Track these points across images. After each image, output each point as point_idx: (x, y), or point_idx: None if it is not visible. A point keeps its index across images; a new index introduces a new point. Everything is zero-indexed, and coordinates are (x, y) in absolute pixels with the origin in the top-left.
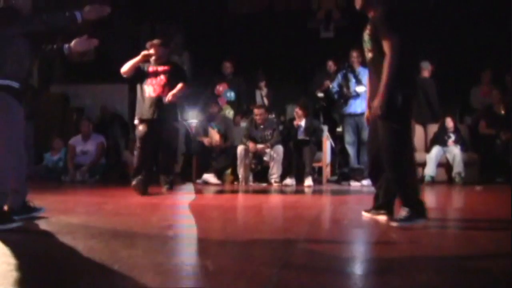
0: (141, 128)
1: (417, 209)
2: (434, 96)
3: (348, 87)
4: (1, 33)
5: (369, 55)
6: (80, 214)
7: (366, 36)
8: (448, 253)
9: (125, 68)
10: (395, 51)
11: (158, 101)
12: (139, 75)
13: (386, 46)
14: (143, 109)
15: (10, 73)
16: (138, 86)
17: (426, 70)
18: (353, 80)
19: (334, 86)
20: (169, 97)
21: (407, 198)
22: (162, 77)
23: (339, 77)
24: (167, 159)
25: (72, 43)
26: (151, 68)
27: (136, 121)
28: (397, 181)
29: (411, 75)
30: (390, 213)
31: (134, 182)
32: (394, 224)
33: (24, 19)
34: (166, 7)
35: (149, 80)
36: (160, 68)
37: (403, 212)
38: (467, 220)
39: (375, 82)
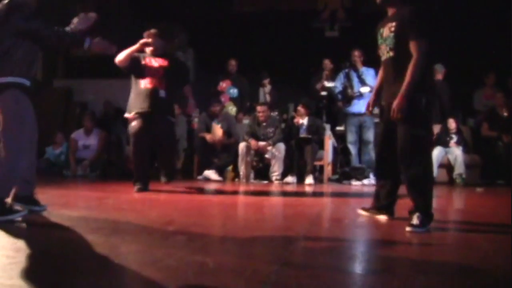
0: (134, 123)
1: (429, 217)
2: (446, 99)
3: (352, 87)
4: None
5: (389, 54)
6: (81, 209)
7: (386, 32)
8: (448, 255)
9: (121, 56)
10: (424, 53)
11: (154, 93)
12: (136, 66)
13: (414, 47)
14: (138, 102)
15: (22, 71)
16: (133, 79)
17: (440, 73)
18: (356, 80)
19: (337, 86)
20: (192, 109)
21: (422, 204)
22: (159, 69)
23: (342, 76)
24: (168, 154)
25: (95, 41)
26: (147, 59)
27: (127, 115)
28: (415, 186)
29: (432, 79)
30: (391, 214)
31: (136, 188)
32: (409, 229)
33: (42, 26)
34: (170, 5)
35: (145, 72)
36: (157, 60)
37: (415, 219)
38: (468, 222)
39: (392, 82)
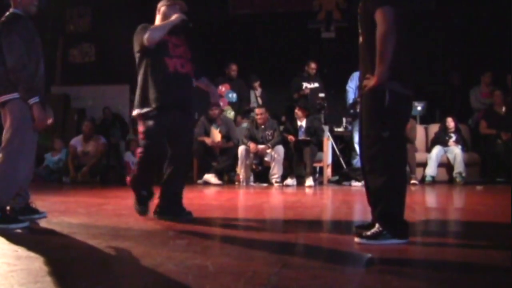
0: (151, 122)
1: (394, 228)
2: None
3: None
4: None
5: (359, 39)
6: (81, 215)
7: (359, 18)
8: (450, 254)
9: (160, 31)
10: (389, 21)
11: (189, 80)
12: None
13: (379, 17)
14: (163, 91)
15: (38, 87)
16: (145, 61)
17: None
18: None
19: (351, 86)
20: (216, 98)
21: (382, 214)
22: (187, 52)
23: (355, 78)
24: (183, 171)
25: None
26: (174, 38)
27: (140, 111)
28: (375, 195)
29: (407, 71)
30: None
31: (138, 211)
32: (357, 240)
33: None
34: None
35: (170, 51)
36: (180, 37)
37: (373, 228)
38: (468, 221)
39: (363, 73)
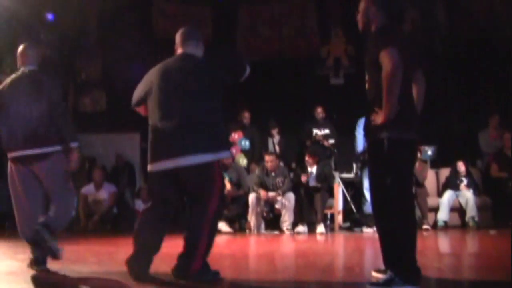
0: None
1: (406, 274)
2: None
3: None
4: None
5: (366, 85)
6: (91, 264)
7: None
8: None
9: None
10: (394, 60)
11: None
12: None
13: (383, 57)
14: None
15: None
16: None
17: None
18: None
19: (359, 132)
20: None
21: (393, 261)
22: None
23: (362, 123)
24: None
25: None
26: None
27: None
28: (384, 241)
29: (408, 116)
30: None
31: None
32: (368, 287)
33: None
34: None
35: None
36: None
37: (384, 276)
38: (482, 266)
39: (370, 115)
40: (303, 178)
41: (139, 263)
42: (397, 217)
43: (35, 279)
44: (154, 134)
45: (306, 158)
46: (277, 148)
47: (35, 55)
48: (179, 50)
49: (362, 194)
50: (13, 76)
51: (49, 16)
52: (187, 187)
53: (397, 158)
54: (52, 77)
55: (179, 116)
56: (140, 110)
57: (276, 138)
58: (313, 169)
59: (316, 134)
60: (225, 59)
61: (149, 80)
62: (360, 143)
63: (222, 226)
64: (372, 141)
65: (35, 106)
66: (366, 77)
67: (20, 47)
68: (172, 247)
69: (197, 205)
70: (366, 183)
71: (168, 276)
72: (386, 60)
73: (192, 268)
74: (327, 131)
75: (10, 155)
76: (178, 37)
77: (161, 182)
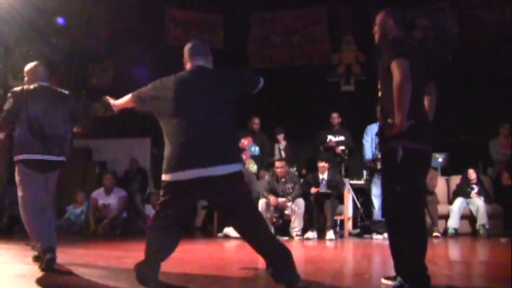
0: None
1: (415, 282)
2: None
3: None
4: None
5: (379, 94)
6: (101, 268)
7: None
8: None
9: None
10: (404, 70)
11: None
12: None
13: (394, 68)
14: None
15: None
16: None
17: None
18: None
19: (367, 140)
20: None
21: (404, 268)
22: None
23: (370, 131)
24: None
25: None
26: None
27: None
28: (395, 249)
29: (422, 127)
30: None
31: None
32: None
33: None
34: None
35: None
36: None
37: (393, 283)
38: (493, 275)
39: (383, 123)
40: (313, 191)
41: (148, 269)
42: (407, 225)
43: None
44: (176, 143)
45: (319, 164)
46: (283, 153)
47: (46, 73)
48: (188, 65)
49: (370, 201)
50: (30, 87)
51: (60, 21)
52: (223, 197)
53: (410, 167)
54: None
55: (204, 126)
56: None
57: (282, 144)
58: (324, 175)
59: (330, 140)
60: (239, 72)
61: (163, 88)
62: (368, 150)
63: (231, 231)
64: (386, 149)
65: (60, 116)
66: (379, 86)
67: (31, 65)
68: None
69: (249, 214)
70: (374, 190)
71: (172, 279)
72: (396, 70)
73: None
74: (342, 138)
75: (30, 157)
76: (186, 52)
77: (183, 192)
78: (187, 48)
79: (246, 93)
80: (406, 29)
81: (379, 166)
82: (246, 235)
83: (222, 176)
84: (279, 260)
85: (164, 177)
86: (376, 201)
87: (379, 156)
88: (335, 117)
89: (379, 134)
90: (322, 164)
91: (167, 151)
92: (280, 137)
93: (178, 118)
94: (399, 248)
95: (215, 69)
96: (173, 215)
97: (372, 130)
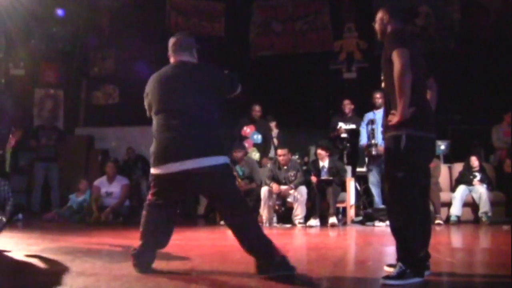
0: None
1: (415, 267)
2: None
3: (374, 135)
4: None
5: (382, 84)
6: (104, 256)
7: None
8: None
9: None
10: (404, 59)
11: None
12: None
13: (394, 57)
14: None
15: None
16: None
17: None
18: (379, 122)
19: (363, 127)
20: None
21: (405, 254)
22: None
23: (367, 119)
24: None
25: None
26: None
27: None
28: (397, 234)
29: (426, 115)
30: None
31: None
32: (382, 281)
33: None
34: None
35: None
36: None
37: (396, 269)
38: (494, 261)
39: (385, 114)
40: (313, 179)
41: (144, 257)
42: (409, 211)
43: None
44: (160, 138)
45: (318, 151)
46: (275, 141)
47: None
48: (172, 59)
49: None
50: None
51: (60, 12)
52: (208, 189)
53: (413, 154)
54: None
55: (186, 120)
56: None
57: (275, 131)
58: (325, 163)
59: (340, 127)
60: (221, 73)
61: (150, 84)
62: (364, 137)
63: None
64: (389, 136)
65: None
66: (382, 77)
67: None
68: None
69: (236, 205)
70: (371, 178)
71: (174, 266)
72: (396, 59)
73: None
74: (353, 126)
75: None
76: (171, 47)
77: (169, 185)
78: (171, 42)
79: (222, 94)
80: (407, 21)
81: (373, 152)
82: (232, 228)
83: (203, 168)
84: (266, 257)
85: (152, 170)
86: (374, 189)
87: (373, 142)
88: (347, 104)
89: (383, 122)
90: (319, 151)
91: (152, 146)
92: (272, 124)
93: (162, 113)
94: (400, 233)
95: (197, 64)
96: (164, 204)
97: (368, 117)
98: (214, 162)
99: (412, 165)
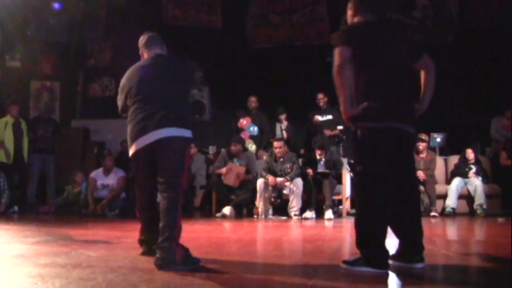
0: None
1: (369, 257)
2: None
3: None
4: None
5: None
6: (100, 248)
7: None
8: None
9: None
10: (341, 59)
11: None
12: None
13: (334, 56)
14: None
15: None
16: None
17: None
18: None
19: None
20: None
21: (360, 243)
22: None
23: None
24: None
25: None
26: None
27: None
28: (355, 223)
29: (386, 104)
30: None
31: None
32: (341, 265)
33: None
34: (185, 44)
35: None
36: None
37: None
38: (489, 254)
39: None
40: (309, 171)
41: (149, 237)
42: (362, 203)
43: (41, 261)
44: (136, 119)
45: (317, 152)
46: (284, 134)
47: None
48: (145, 54)
49: None
50: None
51: (56, 6)
52: (159, 161)
53: (369, 147)
54: None
55: (159, 102)
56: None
57: (284, 124)
58: (321, 156)
59: (316, 119)
60: (189, 65)
61: (125, 83)
62: None
63: (226, 210)
64: (351, 130)
65: None
66: None
67: None
68: None
69: (169, 183)
70: None
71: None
72: (335, 59)
73: (177, 257)
74: (329, 117)
75: None
76: (142, 44)
77: (145, 157)
78: (142, 40)
79: (191, 83)
80: (378, 11)
81: None
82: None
83: (174, 137)
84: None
85: (129, 153)
86: None
87: None
88: (321, 98)
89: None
90: (318, 153)
91: (128, 129)
92: (283, 117)
93: (138, 101)
94: (357, 224)
95: (171, 57)
96: (149, 189)
97: None
98: (182, 133)
99: (371, 157)
